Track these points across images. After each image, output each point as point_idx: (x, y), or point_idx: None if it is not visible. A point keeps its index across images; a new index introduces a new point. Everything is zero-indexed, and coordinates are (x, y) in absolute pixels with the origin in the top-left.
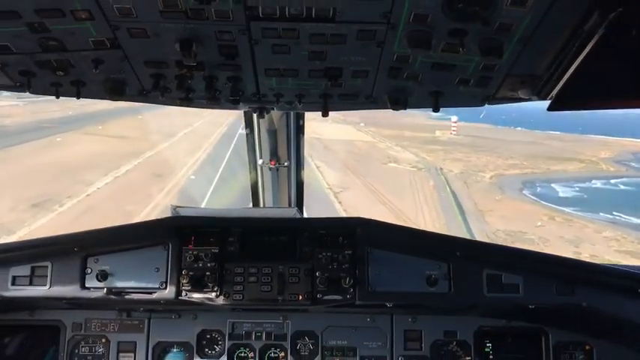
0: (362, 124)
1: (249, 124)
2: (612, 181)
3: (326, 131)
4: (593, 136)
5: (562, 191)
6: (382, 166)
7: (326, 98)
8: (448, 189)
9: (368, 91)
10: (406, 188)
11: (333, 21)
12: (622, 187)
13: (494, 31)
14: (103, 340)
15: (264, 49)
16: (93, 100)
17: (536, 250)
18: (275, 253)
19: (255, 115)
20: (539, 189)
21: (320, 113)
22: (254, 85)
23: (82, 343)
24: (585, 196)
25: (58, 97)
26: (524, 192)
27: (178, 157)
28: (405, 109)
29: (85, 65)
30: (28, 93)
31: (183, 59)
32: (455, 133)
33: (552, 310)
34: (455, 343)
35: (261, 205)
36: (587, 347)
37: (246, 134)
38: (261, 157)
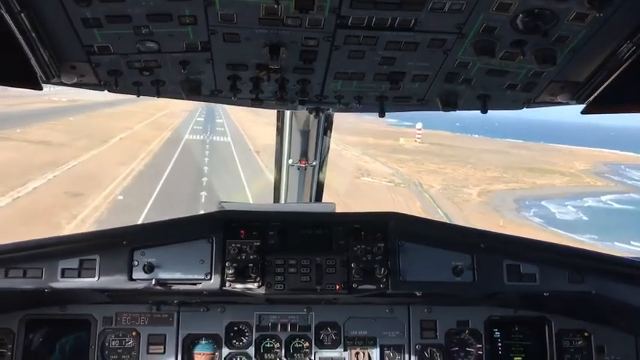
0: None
1: (281, 126)
2: (603, 198)
3: None
4: (558, 145)
5: (558, 212)
6: (355, 180)
7: (382, 100)
8: (441, 212)
9: (422, 94)
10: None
11: (411, 30)
12: (616, 205)
13: (552, 42)
14: (134, 334)
15: (342, 55)
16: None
17: None
18: (312, 246)
19: (287, 117)
20: (534, 209)
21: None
22: (320, 86)
23: (113, 336)
24: (585, 217)
25: (138, 96)
26: (523, 213)
27: (108, 168)
28: (455, 110)
29: (171, 65)
30: (106, 91)
31: (269, 62)
32: (419, 140)
33: (559, 299)
34: (467, 331)
35: (282, 202)
36: (585, 334)
37: (277, 135)
38: (290, 157)
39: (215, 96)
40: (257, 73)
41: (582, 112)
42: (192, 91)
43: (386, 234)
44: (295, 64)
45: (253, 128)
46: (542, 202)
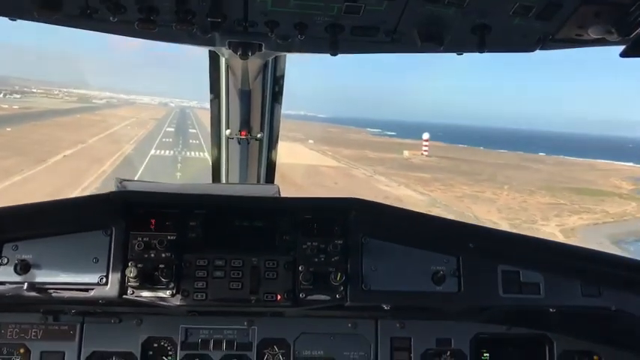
0: (311, 142)
1: (215, 83)
2: None
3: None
4: (571, 158)
5: None
6: None
7: (336, 31)
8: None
9: (392, 23)
10: None
11: None
12: None
13: None
14: (21, 350)
15: None
16: None
17: None
18: (248, 242)
19: (222, 72)
20: None
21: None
22: (242, 4)
23: None
24: None
25: None
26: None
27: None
28: (441, 48)
29: None
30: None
31: None
32: (427, 153)
33: (566, 314)
34: (449, 353)
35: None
36: (595, 357)
37: (211, 99)
38: (228, 127)
39: (88, 17)
40: None
41: (622, 54)
42: (48, 4)
43: (345, 227)
44: None
45: None
46: None
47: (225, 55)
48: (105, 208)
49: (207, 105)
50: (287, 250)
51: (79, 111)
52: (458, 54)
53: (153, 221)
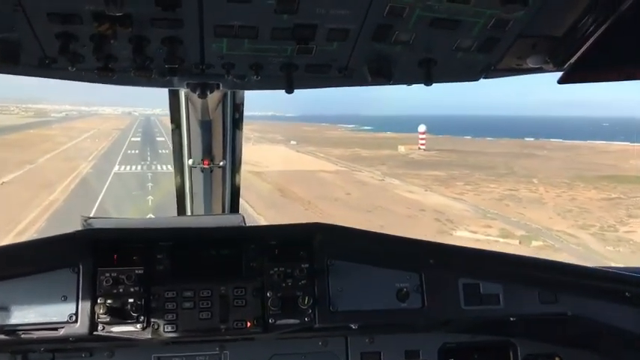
0: (293, 142)
1: (175, 114)
2: None
3: (260, 157)
4: (577, 142)
5: None
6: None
7: (290, 70)
8: None
9: (343, 61)
10: None
11: None
12: None
13: None
14: None
15: None
16: None
17: None
18: (215, 271)
19: (182, 104)
20: None
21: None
22: (198, 50)
23: None
24: None
25: None
26: None
27: None
28: (390, 82)
29: None
30: None
31: (105, 8)
32: (424, 147)
33: (527, 321)
34: None
35: (188, 214)
36: (556, 359)
37: (172, 129)
38: (190, 157)
39: (47, 67)
40: (97, 27)
41: (560, 81)
42: (6, 58)
43: (311, 251)
44: (152, 11)
45: None
46: None
47: (184, 89)
48: (71, 247)
49: None
50: (254, 276)
51: (33, 126)
52: (407, 85)
53: (120, 257)
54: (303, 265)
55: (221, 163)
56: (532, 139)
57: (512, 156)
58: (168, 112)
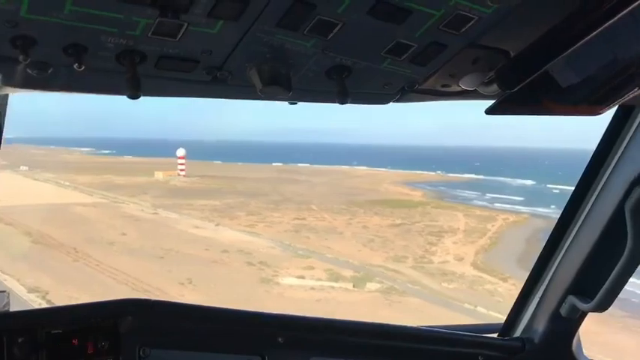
0: (24, 168)
1: None
2: None
3: None
4: (317, 166)
5: None
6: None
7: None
8: None
9: (221, 55)
10: None
11: None
12: None
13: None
14: None
15: None
16: None
17: None
18: None
19: None
20: None
21: None
22: None
23: None
24: None
25: None
26: None
27: None
28: (288, 95)
29: None
30: None
31: None
32: (184, 173)
33: None
34: None
35: None
36: None
37: None
38: None
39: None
40: None
41: (488, 112)
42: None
43: (116, 340)
44: None
45: None
46: None
47: None
48: None
49: None
50: None
51: None
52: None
53: None
54: None
55: None
56: (280, 163)
57: (275, 181)
58: None
